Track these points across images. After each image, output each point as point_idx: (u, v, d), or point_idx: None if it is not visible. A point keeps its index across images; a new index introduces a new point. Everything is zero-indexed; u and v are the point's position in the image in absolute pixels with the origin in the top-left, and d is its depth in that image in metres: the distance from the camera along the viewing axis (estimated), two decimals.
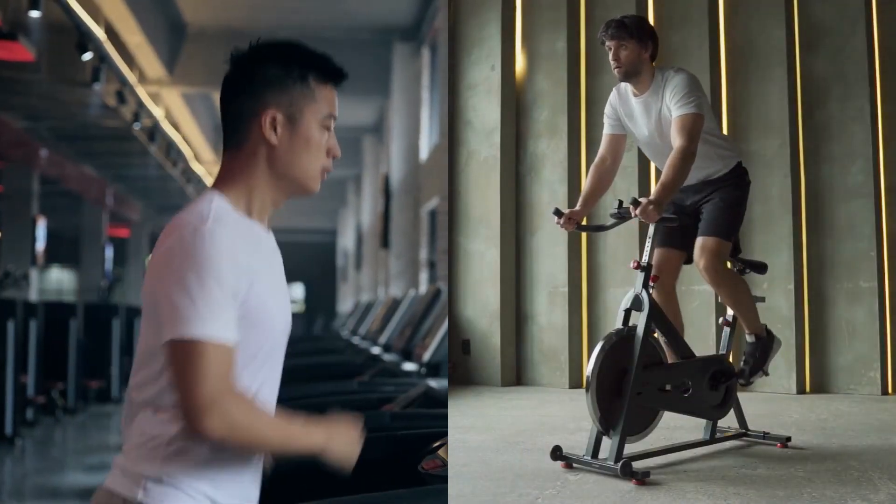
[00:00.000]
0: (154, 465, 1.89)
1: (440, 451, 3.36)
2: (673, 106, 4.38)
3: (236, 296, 1.88)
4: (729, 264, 4.90)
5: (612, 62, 4.48)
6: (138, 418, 1.94)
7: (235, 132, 2.03)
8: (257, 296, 1.93)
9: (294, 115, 2.01)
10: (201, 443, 1.88)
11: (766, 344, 4.87)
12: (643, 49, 4.46)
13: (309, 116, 2.03)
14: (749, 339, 4.86)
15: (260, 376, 1.99)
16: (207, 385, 1.80)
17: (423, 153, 14.81)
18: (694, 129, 4.33)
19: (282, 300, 2.04)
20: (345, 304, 27.31)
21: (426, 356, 6.80)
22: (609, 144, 4.73)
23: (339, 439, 2.00)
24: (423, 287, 13.07)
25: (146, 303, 1.93)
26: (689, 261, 4.80)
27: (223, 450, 1.92)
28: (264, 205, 2.04)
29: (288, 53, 2.04)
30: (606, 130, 4.74)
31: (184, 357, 1.82)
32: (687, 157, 4.28)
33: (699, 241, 4.61)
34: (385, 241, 17.24)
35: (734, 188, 4.69)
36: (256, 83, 2.01)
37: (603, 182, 4.75)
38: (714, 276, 4.59)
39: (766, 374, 4.94)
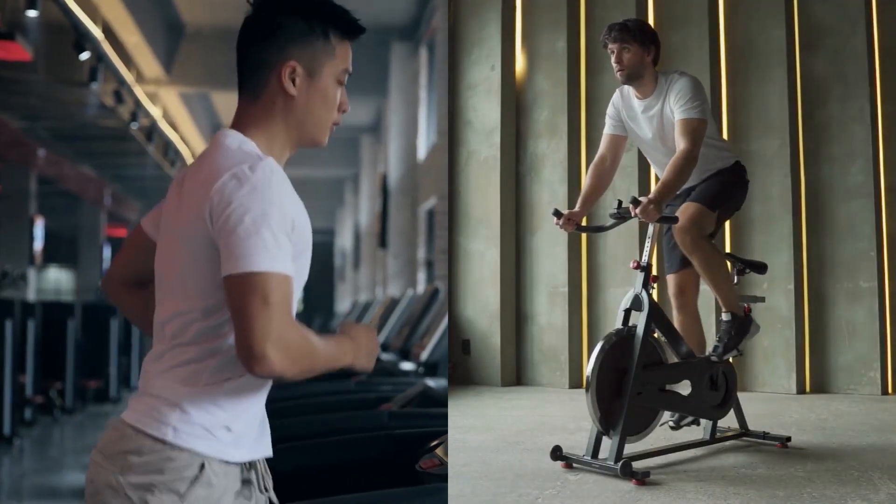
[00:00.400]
0: (184, 401, 1.90)
1: (438, 451, 3.36)
2: (677, 110, 4.38)
3: (293, 229, 1.90)
4: (729, 264, 4.89)
5: (614, 65, 4.48)
6: (172, 353, 1.94)
7: (254, 80, 2.04)
8: (301, 228, 1.94)
9: (314, 68, 2.03)
10: (242, 378, 1.92)
11: (742, 323, 4.71)
12: (646, 52, 4.46)
13: (327, 71, 2.05)
14: (725, 316, 4.70)
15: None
16: (275, 320, 1.81)
17: (421, 153, 14.80)
18: (698, 133, 4.33)
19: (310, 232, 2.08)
20: (342, 304, 27.28)
21: (424, 355, 6.80)
22: (609, 144, 4.73)
23: (363, 348, 2.02)
24: (421, 287, 13.06)
25: (187, 231, 1.93)
26: None
27: (250, 390, 1.95)
28: (283, 151, 2.06)
29: (312, 7, 2.05)
30: (607, 130, 4.74)
31: (251, 288, 1.82)
32: (690, 160, 4.28)
33: (683, 206, 4.54)
34: (383, 241, 17.21)
35: (730, 176, 4.69)
36: (279, 34, 2.02)
37: (602, 182, 4.74)
38: (688, 242, 4.48)
39: (740, 352, 4.77)
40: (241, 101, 2.06)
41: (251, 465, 1.98)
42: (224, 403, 1.93)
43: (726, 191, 4.64)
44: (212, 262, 1.89)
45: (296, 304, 1.97)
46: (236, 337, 1.82)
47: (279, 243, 1.84)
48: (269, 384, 2.01)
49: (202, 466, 1.89)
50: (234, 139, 1.99)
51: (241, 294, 1.81)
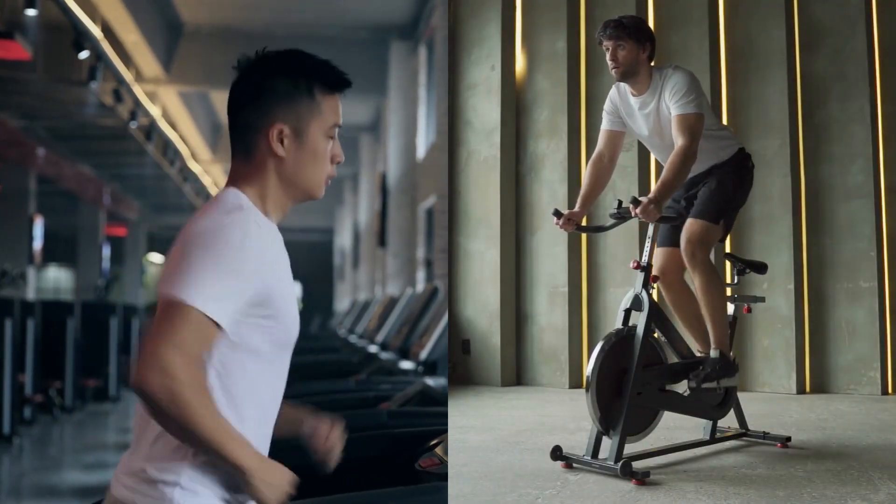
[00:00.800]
0: (176, 468, 1.91)
1: (437, 450, 3.36)
2: (673, 105, 4.36)
3: (256, 286, 1.91)
4: (729, 265, 4.89)
5: (609, 62, 4.46)
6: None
7: (244, 142, 2.06)
8: (279, 290, 1.96)
9: (301, 128, 2.05)
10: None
11: (729, 365, 4.61)
12: (641, 49, 4.44)
13: (315, 129, 2.06)
14: (713, 353, 4.59)
15: (283, 369, 2.04)
16: (172, 345, 1.79)
17: (420, 152, 14.80)
18: (695, 128, 4.31)
19: (293, 296, 2.08)
20: (342, 303, 27.28)
21: (423, 354, 6.80)
22: (607, 141, 4.70)
23: (266, 477, 1.92)
24: (420, 286, 13.06)
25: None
26: None
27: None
28: (277, 207, 2.08)
29: (294, 65, 2.06)
30: (605, 126, 4.70)
31: (167, 314, 1.82)
32: (688, 156, 4.27)
33: (686, 222, 4.53)
34: (382, 240, 17.20)
35: (732, 173, 4.65)
36: (264, 96, 2.04)
37: (601, 180, 4.72)
38: (691, 261, 4.49)
39: (718, 389, 4.68)
40: (234, 161, 2.08)
41: None
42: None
43: (728, 195, 4.60)
44: None
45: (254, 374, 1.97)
46: (139, 351, 1.83)
47: (221, 288, 1.85)
48: (266, 438, 2.04)
49: None
50: (231, 193, 2.01)
51: (159, 315, 1.83)
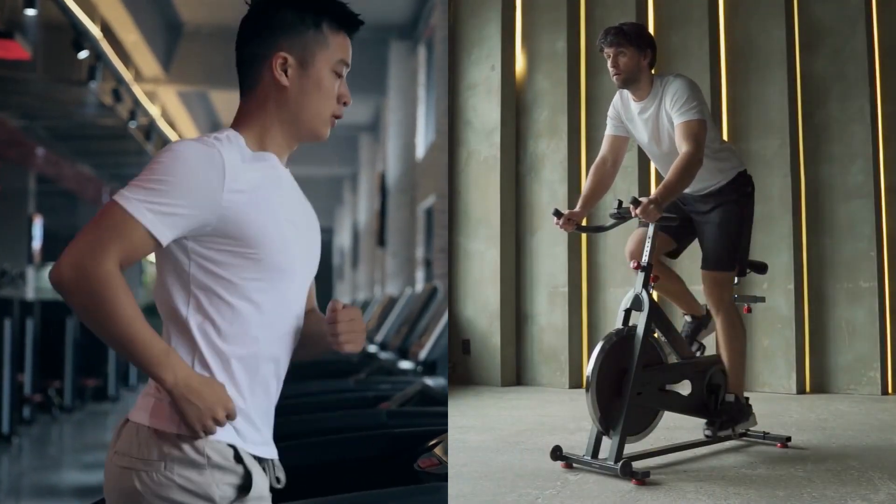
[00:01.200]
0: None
1: (437, 450, 3.35)
2: (674, 113, 4.35)
3: (202, 215, 1.87)
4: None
5: (610, 69, 4.46)
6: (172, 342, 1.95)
7: (249, 75, 2.05)
8: (255, 215, 1.92)
9: (306, 58, 2.03)
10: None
11: (742, 409, 4.73)
12: (642, 56, 4.43)
13: (321, 61, 2.04)
14: (729, 398, 4.70)
15: (270, 298, 1.97)
16: (89, 238, 1.79)
17: (420, 151, 14.81)
18: (699, 134, 4.30)
19: (293, 230, 2.03)
20: (341, 296, 27.21)
21: (422, 354, 6.79)
22: (610, 145, 4.71)
23: (193, 397, 1.86)
24: (420, 285, 13.05)
25: None
26: (674, 255, 4.86)
27: (251, 385, 1.95)
28: (278, 146, 2.05)
29: None
30: (609, 131, 4.72)
31: (99, 213, 1.82)
32: (693, 163, 4.25)
33: (703, 273, 4.68)
34: (381, 240, 17.20)
35: (734, 204, 4.64)
36: (270, 27, 2.03)
37: (603, 183, 4.73)
38: (716, 304, 4.69)
39: (737, 437, 4.81)
40: (241, 98, 2.07)
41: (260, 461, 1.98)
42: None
43: (735, 239, 4.66)
44: (167, 260, 1.93)
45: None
46: None
47: (161, 200, 1.83)
48: (273, 377, 2.02)
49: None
50: (222, 131, 2.00)
51: (96, 215, 1.83)
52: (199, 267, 1.91)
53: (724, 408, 4.67)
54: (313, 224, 2.16)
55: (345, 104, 2.10)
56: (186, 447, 1.87)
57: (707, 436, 4.67)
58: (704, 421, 4.70)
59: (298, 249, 2.05)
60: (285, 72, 2.01)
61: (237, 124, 2.03)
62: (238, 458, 1.91)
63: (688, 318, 4.95)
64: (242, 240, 1.91)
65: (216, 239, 1.90)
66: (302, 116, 2.04)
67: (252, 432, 1.96)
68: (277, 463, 2.04)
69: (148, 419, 1.90)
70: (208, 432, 1.86)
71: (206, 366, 1.91)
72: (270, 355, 1.99)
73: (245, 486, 1.91)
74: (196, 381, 1.86)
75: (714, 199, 4.62)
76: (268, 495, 1.97)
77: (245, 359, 1.94)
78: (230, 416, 1.88)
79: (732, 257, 4.65)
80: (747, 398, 4.83)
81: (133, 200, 1.81)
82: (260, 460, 1.97)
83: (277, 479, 2.02)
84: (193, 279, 1.91)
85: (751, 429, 4.90)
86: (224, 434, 1.90)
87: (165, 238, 1.84)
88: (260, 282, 1.94)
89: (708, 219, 4.65)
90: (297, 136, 2.07)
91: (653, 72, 4.51)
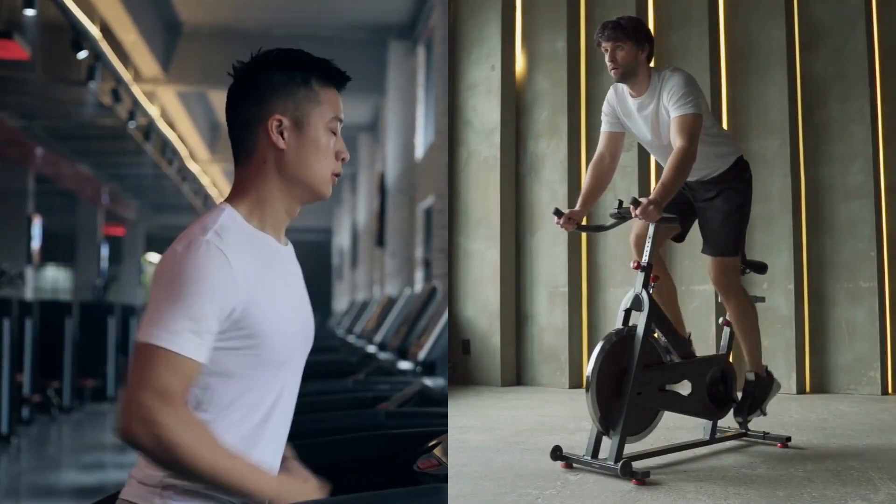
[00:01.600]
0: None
1: (437, 450, 3.34)
2: (671, 106, 4.35)
3: (224, 312, 1.86)
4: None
5: (608, 63, 4.45)
6: None
7: (244, 142, 2.03)
8: (259, 309, 1.91)
9: (300, 119, 2.01)
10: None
11: (765, 384, 4.85)
12: (640, 50, 4.42)
13: (315, 120, 2.02)
14: (749, 376, 4.82)
15: (275, 387, 1.98)
16: (149, 390, 1.77)
17: (419, 152, 14.81)
18: (694, 129, 4.30)
19: (293, 313, 2.03)
20: (340, 303, 27.28)
21: (422, 355, 6.78)
22: (607, 142, 4.69)
23: (293, 496, 1.91)
24: (419, 286, 13.05)
25: None
26: (678, 239, 4.90)
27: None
28: (277, 216, 2.03)
29: (290, 59, 2.03)
30: (604, 128, 4.70)
31: (139, 360, 1.80)
32: (687, 158, 4.25)
33: (710, 261, 4.73)
34: (380, 240, 17.19)
35: (734, 191, 4.65)
36: (261, 91, 2.00)
37: (602, 181, 4.71)
38: (725, 290, 4.74)
39: (765, 413, 4.90)
40: (236, 167, 2.04)
41: None
42: None
43: (737, 224, 4.72)
44: None
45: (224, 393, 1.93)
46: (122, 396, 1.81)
47: (188, 323, 1.81)
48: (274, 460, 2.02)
49: None
50: (214, 212, 1.97)
51: (134, 362, 1.80)
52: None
53: (746, 389, 4.78)
54: (308, 307, 2.16)
55: (343, 160, 2.08)
56: None
57: (738, 422, 4.81)
58: (732, 411, 4.78)
59: (296, 340, 2.05)
60: (281, 134, 1.99)
61: (235, 196, 2.01)
62: None
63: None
64: (247, 329, 1.91)
65: (222, 335, 1.90)
66: (302, 177, 2.02)
67: None
68: None
69: None
70: None
71: None
72: (264, 437, 2.00)
73: None
74: (286, 482, 1.95)
75: (715, 187, 4.64)
76: None
77: (244, 440, 1.95)
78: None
79: (736, 243, 4.72)
80: (766, 367, 4.93)
81: (176, 339, 1.81)
82: None
83: None
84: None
85: (750, 428, 4.90)
86: None
87: (207, 357, 1.86)
88: (255, 369, 1.95)
89: (710, 206, 4.66)
90: (299, 198, 2.05)
91: (651, 65, 4.51)
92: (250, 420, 1.96)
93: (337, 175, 2.07)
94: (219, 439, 1.85)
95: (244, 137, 2.02)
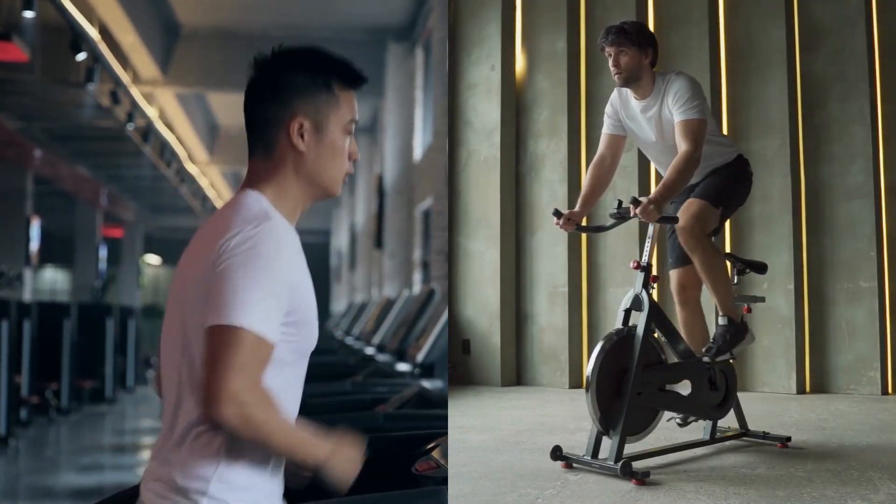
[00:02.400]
0: (204, 475, 1.91)
1: (435, 452, 3.33)
2: (676, 110, 4.35)
3: (288, 295, 1.91)
4: (729, 265, 4.87)
5: (612, 68, 4.45)
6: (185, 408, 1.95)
7: (263, 139, 2.05)
8: (303, 296, 1.97)
9: (320, 122, 2.05)
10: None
11: (738, 329, 4.65)
12: (643, 55, 4.43)
13: (333, 123, 2.07)
14: (721, 320, 4.65)
15: (299, 372, 2.04)
16: (239, 374, 1.82)
17: (418, 153, 14.81)
18: (698, 133, 4.30)
19: (314, 302, 2.06)
20: (338, 305, 27.27)
21: (420, 357, 6.77)
22: (608, 144, 4.70)
23: (341, 456, 1.99)
24: (417, 287, 13.04)
25: (193, 294, 1.93)
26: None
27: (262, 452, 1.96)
28: (294, 208, 2.07)
29: (313, 60, 2.06)
30: (606, 130, 4.70)
31: (224, 342, 1.83)
32: (691, 162, 4.26)
33: (686, 202, 4.52)
34: (379, 242, 17.18)
35: (732, 174, 4.65)
36: (283, 91, 2.03)
37: (602, 182, 4.71)
38: (689, 239, 4.46)
39: (733, 357, 4.72)
40: (253, 160, 2.07)
41: None
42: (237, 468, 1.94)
43: (729, 187, 4.62)
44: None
45: (290, 367, 1.99)
46: (202, 382, 1.83)
47: (266, 305, 1.86)
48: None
49: None
50: (251, 198, 2.00)
51: (215, 344, 1.83)
52: None
53: (718, 331, 4.60)
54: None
55: (354, 161, 2.14)
56: None
57: (706, 362, 4.56)
58: (705, 347, 4.63)
59: (315, 325, 2.08)
60: (302, 136, 2.03)
61: (255, 186, 2.04)
62: None
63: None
64: (296, 316, 1.96)
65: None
66: (318, 179, 2.07)
67: (268, 492, 2.00)
68: None
69: None
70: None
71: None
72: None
73: None
74: (336, 445, 1.99)
75: (713, 173, 4.63)
76: None
77: None
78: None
79: (720, 196, 4.54)
80: (741, 317, 4.75)
81: (257, 320, 1.85)
82: None
83: None
84: None
85: (750, 428, 4.89)
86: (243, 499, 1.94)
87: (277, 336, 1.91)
88: (295, 357, 2.01)
89: (705, 179, 4.62)
90: (312, 196, 2.09)
91: (654, 70, 4.50)
92: (291, 408, 2.03)
93: (348, 174, 2.13)
94: (290, 421, 1.95)
95: (264, 135, 2.05)
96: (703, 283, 4.70)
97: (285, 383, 1.98)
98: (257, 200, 1.99)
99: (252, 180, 2.04)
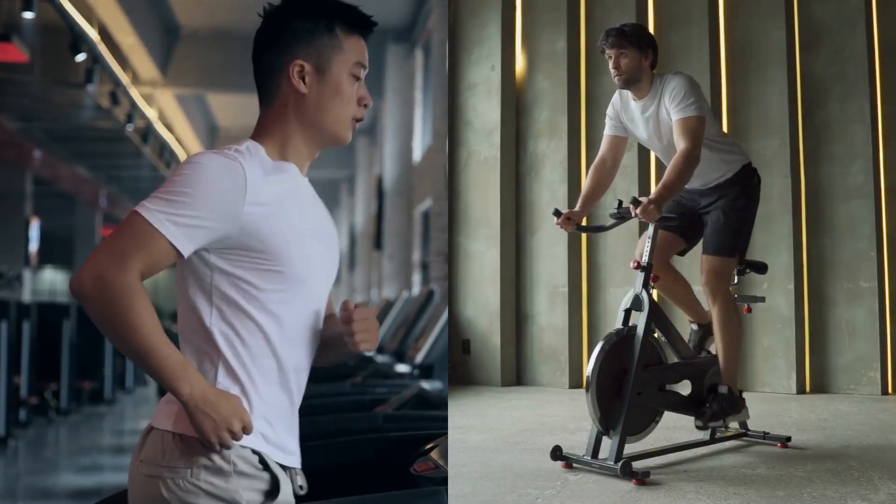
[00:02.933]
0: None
1: (434, 453, 3.33)
2: (673, 109, 4.34)
3: (224, 227, 1.88)
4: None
5: (612, 70, 4.45)
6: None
7: (267, 86, 2.05)
8: (275, 230, 1.93)
9: (322, 64, 2.03)
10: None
11: (735, 401, 4.63)
12: (643, 57, 4.42)
13: (337, 66, 2.04)
14: (722, 389, 4.59)
15: (291, 309, 1.98)
16: (110, 249, 1.80)
17: (417, 154, 14.81)
18: (697, 131, 4.29)
19: (313, 241, 2.04)
20: (337, 306, 27.22)
21: (419, 357, 6.77)
22: (610, 145, 4.70)
23: (208, 409, 1.85)
24: (417, 288, 13.04)
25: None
26: (684, 253, 4.83)
27: (275, 392, 1.95)
28: (300, 155, 2.05)
29: (314, 5, 2.05)
30: (607, 131, 4.70)
31: (120, 224, 1.83)
32: (690, 160, 4.24)
33: (703, 258, 4.60)
34: (378, 243, 17.20)
35: (739, 196, 4.61)
36: (284, 37, 2.03)
37: (602, 183, 4.71)
38: (713, 295, 4.57)
39: (726, 427, 4.79)
40: (261, 110, 2.07)
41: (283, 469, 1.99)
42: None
43: (738, 226, 4.61)
44: (189, 272, 1.94)
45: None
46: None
47: (179, 209, 1.84)
48: (294, 386, 2.01)
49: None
50: (244, 142, 2.00)
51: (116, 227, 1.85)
52: (221, 279, 1.92)
53: (715, 399, 4.58)
54: (332, 232, 2.16)
55: (365, 106, 2.10)
56: (212, 454, 1.87)
57: (698, 426, 4.57)
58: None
59: (319, 260, 2.05)
60: (303, 79, 2.02)
61: (257, 134, 2.04)
62: (264, 464, 1.92)
63: (694, 327, 4.91)
64: (264, 252, 1.92)
65: (237, 251, 1.91)
66: (322, 122, 2.05)
67: (276, 440, 1.97)
68: (300, 471, 2.04)
69: (172, 425, 1.90)
70: (224, 445, 1.86)
71: (230, 376, 1.92)
72: (292, 365, 2.00)
73: (272, 492, 1.92)
74: (212, 394, 1.86)
75: (720, 191, 4.60)
76: (293, 501, 1.98)
77: (268, 369, 1.95)
78: (246, 430, 1.88)
79: (734, 243, 4.58)
80: (741, 391, 4.78)
81: (155, 212, 1.83)
82: (283, 467, 1.98)
83: (300, 487, 2.02)
84: (216, 291, 1.92)
85: (750, 428, 4.89)
86: (250, 441, 1.91)
87: (187, 250, 1.85)
88: (282, 293, 1.95)
89: (712, 207, 4.61)
90: (319, 142, 2.07)
91: (654, 72, 4.50)
92: (286, 356, 1.99)
93: (359, 120, 2.10)
94: (158, 323, 1.83)
95: (267, 82, 2.05)
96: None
97: (282, 339, 1.96)
98: (247, 144, 1.98)
99: (256, 130, 2.05)
